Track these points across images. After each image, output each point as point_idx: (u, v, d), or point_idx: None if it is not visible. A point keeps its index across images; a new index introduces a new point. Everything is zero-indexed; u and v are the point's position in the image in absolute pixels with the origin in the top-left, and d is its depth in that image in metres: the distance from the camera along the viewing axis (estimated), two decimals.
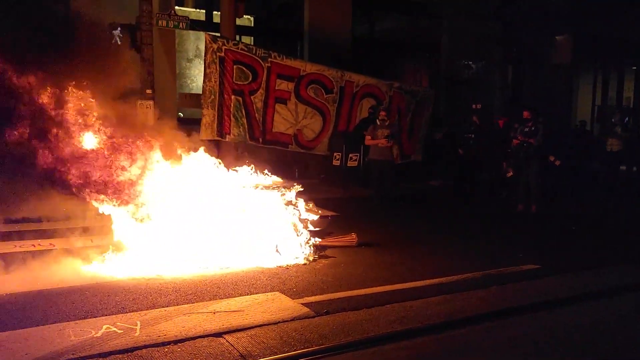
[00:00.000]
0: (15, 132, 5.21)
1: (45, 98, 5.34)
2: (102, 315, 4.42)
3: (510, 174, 10.36)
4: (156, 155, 6.14)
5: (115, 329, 4.16)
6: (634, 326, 4.65)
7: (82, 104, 5.57)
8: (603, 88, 19.25)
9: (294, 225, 6.57)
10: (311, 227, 6.80)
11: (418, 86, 14.87)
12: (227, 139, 10.78)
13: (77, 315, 4.41)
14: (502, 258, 6.65)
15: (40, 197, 5.72)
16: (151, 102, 10.15)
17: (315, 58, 12.87)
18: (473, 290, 5.38)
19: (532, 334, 4.38)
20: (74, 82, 5.48)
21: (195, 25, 11.62)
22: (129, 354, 3.79)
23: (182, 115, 12.57)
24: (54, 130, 5.41)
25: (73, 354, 3.72)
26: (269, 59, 11.12)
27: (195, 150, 6.69)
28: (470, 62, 16.90)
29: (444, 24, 16.35)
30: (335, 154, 11.98)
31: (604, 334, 4.43)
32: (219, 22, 11.83)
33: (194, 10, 13.74)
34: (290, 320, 4.43)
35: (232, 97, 10.76)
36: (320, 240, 6.78)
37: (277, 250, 6.25)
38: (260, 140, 11.25)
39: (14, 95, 5.17)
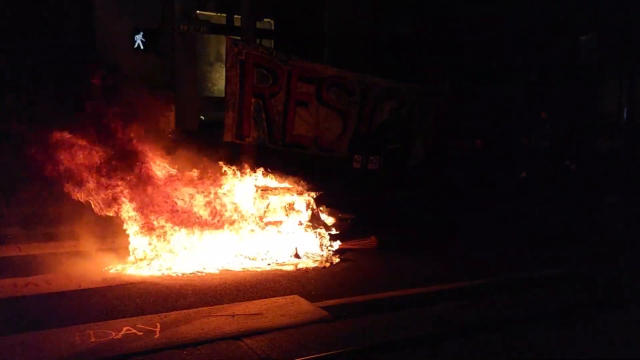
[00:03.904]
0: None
1: None
2: (123, 317, 4.45)
3: (524, 174, 10.18)
4: (177, 156, 6.21)
5: (135, 331, 4.18)
6: None
7: None
8: (629, 89, 18.83)
9: (313, 228, 6.56)
10: (331, 230, 6.78)
11: (438, 86, 14.74)
12: (246, 142, 10.81)
13: (98, 317, 4.44)
14: (524, 262, 6.54)
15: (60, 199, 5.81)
16: (172, 106, 10.26)
17: (337, 61, 12.85)
18: (496, 295, 5.29)
19: (557, 342, 4.28)
20: None
21: (216, 29, 11.70)
22: (149, 356, 3.80)
23: (203, 118, 12.68)
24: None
25: (93, 356, 3.76)
26: (290, 62, 11.13)
27: (216, 152, 6.73)
28: (494, 63, 16.70)
29: (466, 25, 16.19)
30: (355, 157, 11.93)
31: (633, 344, 4.32)
32: (239, 25, 11.91)
33: (215, 14, 13.85)
34: (309, 324, 4.41)
35: (253, 100, 10.78)
36: (339, 243, 6.75)
37: (296, 253, 6.25)
38: (280, 143, 11.25)
39: None
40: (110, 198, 5.79)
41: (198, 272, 5.71)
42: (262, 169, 6.99)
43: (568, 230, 8.48)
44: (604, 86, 18.35)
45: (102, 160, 5.73)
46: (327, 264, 6.16)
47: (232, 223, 6.16)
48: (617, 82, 18.63)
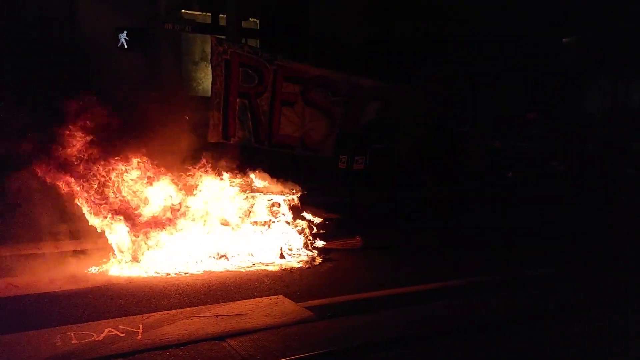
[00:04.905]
0: None
1: None
2: (105, 319, 4.39)
3: (510, 174, 10.25)
4: (160, 158, 6.15)
5: (117, 332, 4.13)
6: None
7: None
8: (612, 91, 19.06)
9: (298, 228, 6.54)
10: (315, 230, 6.77)
11: (424, 87, 14.78)
12: (231, 142, 10.75)
13: (79, 319, 4.38)
14: (513, 262, 6.57)
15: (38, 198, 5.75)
16: (157, 106, 10.17)
17: (323, 61, 12.83)
18: (483, 295, 5.29)
19: (544, 341, 4.30)
20: None
21: (201, 28, 11.63)
22: (131, 357, 3.76)
23: (188, 118, 12.58)
24: None
25: (74, 358, 3.71)
26: (276, 62, 11.10)
27: (200, 153, 6.68)
28: (479, 65, 16.80)
29: (456, 27, 16.26)
30: (341, 157, 11.92)
31: (622, 343, 4.35)
32: (225, 25, 11.86)
33: (200, 13, 13.78)
34: (294, 324, 4.39)
35: (238, 99, 10.73)
36: (324, 243, 6.74)
37: (281, 253, 6.23)
38: (266, 143, 11.20)
39: None
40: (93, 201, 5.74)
41: (182, 272, 5.67)
42: (247, 169, 6.96)
43: (557, 230, 8.54)
44: (589, 88, 18.57)
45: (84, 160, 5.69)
46: (312, 264, 6.14)
47: (216, 223, 6.13)
48: (599, 84, 18.87)
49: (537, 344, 4.27)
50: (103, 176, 5.77)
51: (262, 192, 6.56)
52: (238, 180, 6.66)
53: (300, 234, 6.50)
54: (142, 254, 5.84)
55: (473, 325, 4.55)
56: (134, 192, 5.88)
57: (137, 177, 5.94)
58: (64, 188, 5.74)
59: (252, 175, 6.85)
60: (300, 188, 6.84)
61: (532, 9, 14.65)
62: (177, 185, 6.14)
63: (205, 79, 13.38)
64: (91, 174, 5.71)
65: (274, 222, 6.45)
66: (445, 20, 15.90)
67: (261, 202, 6.47)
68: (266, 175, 6.99)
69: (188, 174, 6.34)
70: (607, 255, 7.02)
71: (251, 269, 5.91)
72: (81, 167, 5.70)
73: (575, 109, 17.85)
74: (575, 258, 6.85)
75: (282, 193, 6.66)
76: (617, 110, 17.99)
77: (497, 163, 11.68)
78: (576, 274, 6.09)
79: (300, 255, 6.34)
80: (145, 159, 6.02)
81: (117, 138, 5.93)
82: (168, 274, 5.60)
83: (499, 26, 15.63)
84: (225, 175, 6.59)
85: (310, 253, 6.38)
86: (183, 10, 12.67)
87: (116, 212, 5.82)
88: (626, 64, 18.11)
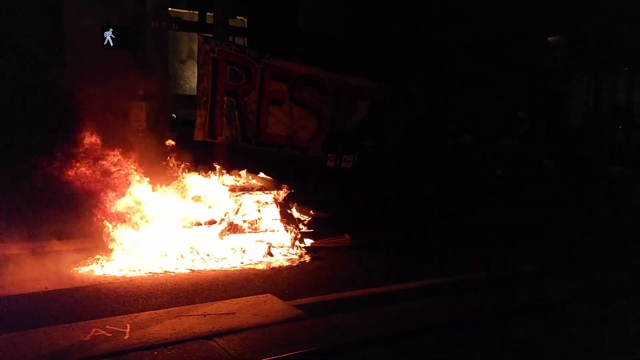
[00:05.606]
0: None
1: None
2: (92, 319, 4.35)
3: (500, 172, 10.34)
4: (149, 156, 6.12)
5: (104, 332, 4.09)
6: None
7: None
8: (596, 89, 19.26)
9: (286, 226, 6.54)
10: (304, 229, 6.76)
11: (414, 86, 14.84)
12: (218, 141, 10.70)
13: (66, 319, 4.33)
14: (497, 260, 6.61)
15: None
16: (143, 104, 10.12)
17: (311, 60, 12.82)
18: (468, 292, 5.34)
19: (528, 338, 4.34)
20: None
21: (188, 26, 11.56)
22: (118, 357, 3.73)
23: (175, 117, 12.53)
24: None
25: (61, 359, 3.67)
26: (263, 60, 11.07)
27: (188, 152, 6.66)
28: (466, 64, 16.88)
29: (441, 27, 16.32)
30: (329, 156, 11.93)
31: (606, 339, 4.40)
32: (212, 23, 11.81)
33: (187, 11, 13.71)
34: (282, 323, 4.39)
35: (225, 98, 10.68)
36: (312, 241, 6.74)
37: (269, 252, 6.22)
38: (254, 142, 11.16)
39: None
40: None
41: (170, 272, 5.64)
42: (235, 168, 6.95)
43: (544, 228, 8.60)
44: (575, 86, 18.75)
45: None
46: (301, 263, 6.14)
47: (204, 222, 6.11)
48: (585, 82, 19.05)
49: (516, 339, 4.31)
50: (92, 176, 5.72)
51: (250, 190, 6.55)
52: (227, 179, 6.64)
53: (288, 232, 6.49)
54: (130, 253, 5.80)
55: (458, 322, 4.58)
56: (123, 192, 5.83)
57: (123, 174, 5.90)
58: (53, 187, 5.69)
59: (241, 174, 6.84)
60: (289, 186, 6.83)
61: (522, 8, 14.74)
62: (163, 184, 6.11)
63: (192, 78, 13.31)
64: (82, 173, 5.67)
65: (262, 220, 6.43)
66: (437, 20, 15.95)
67: (250, 201, 6.46)
68: (255, 174, 6.99)
69: (174, 172, 6.32)
70: (603, 254, 7.08)
71: (239, 267, 5.89)
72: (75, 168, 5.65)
73: (564, 107, 18.02)
74: (559, 256, 6.94)
75: (270, 191, 6.65)
76: (604, 109, 18.18)
77: (492, 162, 11.77)
78: (557, 272, 6.15)
79: (288, 253, 6.33)
80: (125, 154, 5.99)
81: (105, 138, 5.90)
82: (155, 274, 5.57)
83: (489, 26, 15.71)
84: (214, 173, 6.57)
85: (298, 251, 6.38)
86: (170, 8, 12.59)
87: (104, 211, 5.78)
88: (612, 62, 18.31)
